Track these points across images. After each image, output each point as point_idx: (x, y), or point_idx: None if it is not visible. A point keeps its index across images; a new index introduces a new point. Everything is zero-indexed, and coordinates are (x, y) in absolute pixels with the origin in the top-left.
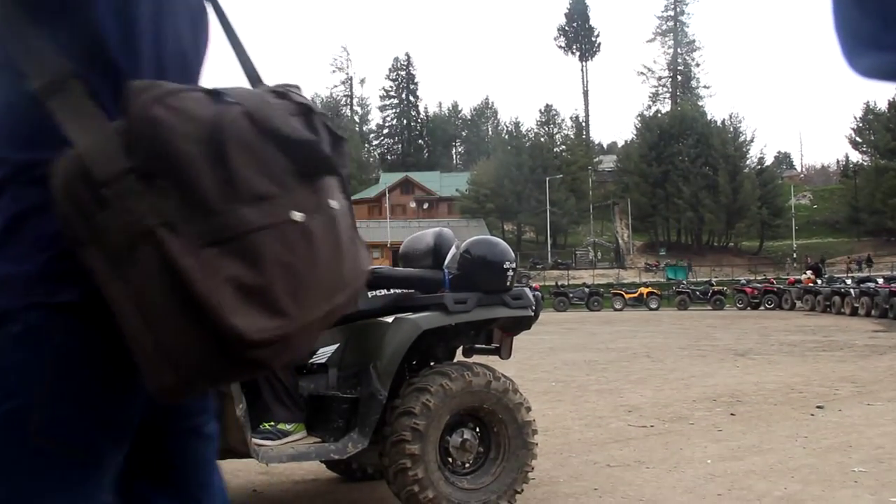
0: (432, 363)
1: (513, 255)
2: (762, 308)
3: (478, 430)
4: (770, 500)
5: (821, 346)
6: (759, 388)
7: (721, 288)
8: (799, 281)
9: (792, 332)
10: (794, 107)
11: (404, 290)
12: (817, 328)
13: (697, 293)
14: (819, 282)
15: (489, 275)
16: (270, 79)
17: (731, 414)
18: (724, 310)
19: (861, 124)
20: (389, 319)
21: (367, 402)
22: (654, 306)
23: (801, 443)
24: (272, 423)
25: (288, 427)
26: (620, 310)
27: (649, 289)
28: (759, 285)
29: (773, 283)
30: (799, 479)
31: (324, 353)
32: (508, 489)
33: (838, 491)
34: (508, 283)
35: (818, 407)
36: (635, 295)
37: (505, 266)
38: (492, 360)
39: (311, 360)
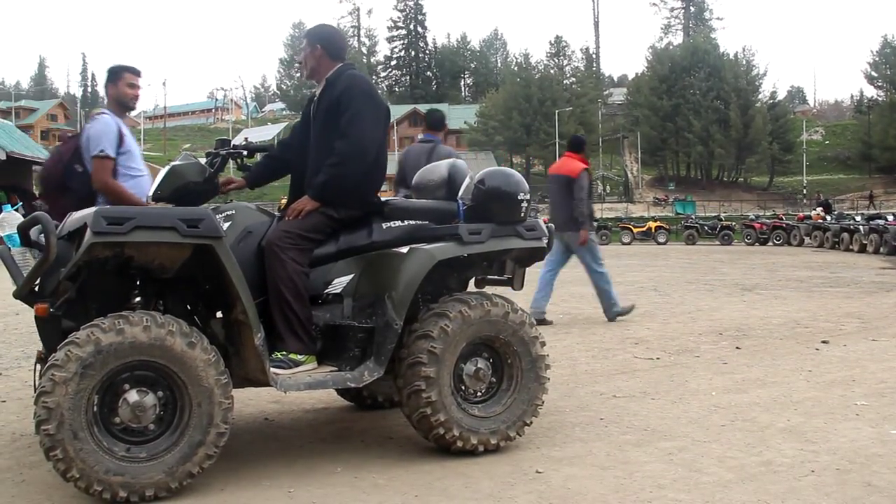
0: (445, 293)
1: (527, 186)
2: (770, 244)
3: (492, 360)
4: (773, 432)
5: (828, 283)
6: (765, 323)
7: (730, 223)
8: (808, 217)
9: (799, 268)
10: (809, 41)
11: (418, 222)
12: (825, 264)
13: (706, 228)
14: (828, 218)
15: (503, 206)
16: (281, 10)
17: (737, 347)
18: (733, 245)
19: (878, 58)
20: (404, 250)
21: (382, 331)
22: (662, 240)
23: (805, 376)
24: (284, 353)
25: (300, 357)
26: (629, 243)
27: (658, 223)
28: (767, 221)
29: (782, 218)
30: (802, 412)
31: (339, 284)
32: (518, 420)
33: (840, 423)
34: (522, 215)
35: (823, 342)
36: (643, 229)
37: (519, 197)
38: (502, 291)
39: (327, 291)
